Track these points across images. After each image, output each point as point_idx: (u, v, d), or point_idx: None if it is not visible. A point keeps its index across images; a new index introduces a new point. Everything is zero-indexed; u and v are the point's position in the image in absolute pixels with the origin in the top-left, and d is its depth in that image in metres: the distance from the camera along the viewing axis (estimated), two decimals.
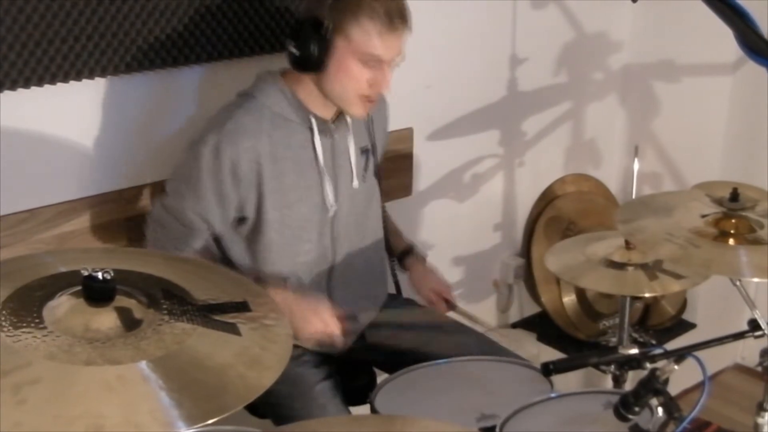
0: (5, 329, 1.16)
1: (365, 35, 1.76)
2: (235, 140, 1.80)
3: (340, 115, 1.93)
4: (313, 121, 1.88)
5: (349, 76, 1.79)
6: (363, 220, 2.03)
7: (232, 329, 1.28)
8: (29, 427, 1.05)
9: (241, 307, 1.35)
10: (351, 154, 1.95)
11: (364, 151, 2.00)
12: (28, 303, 1.23)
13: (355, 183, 1.97)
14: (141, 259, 1.43)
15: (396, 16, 1.77)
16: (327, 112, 1.90)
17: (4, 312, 1.20)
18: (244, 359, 1.24)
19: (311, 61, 1.79)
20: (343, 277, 2.00)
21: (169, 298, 1.30)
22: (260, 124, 1.83)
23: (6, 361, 1.11)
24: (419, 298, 2.17)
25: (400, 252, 2.19)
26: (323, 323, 1.82)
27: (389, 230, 2.20)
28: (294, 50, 1.80)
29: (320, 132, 1.89)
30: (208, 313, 1.30)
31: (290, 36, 1.81)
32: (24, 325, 1.18)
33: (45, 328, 1.18)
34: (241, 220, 1.89)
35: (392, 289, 2.23)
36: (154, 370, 1.16)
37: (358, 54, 1.77)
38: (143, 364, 1.16)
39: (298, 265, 1.94)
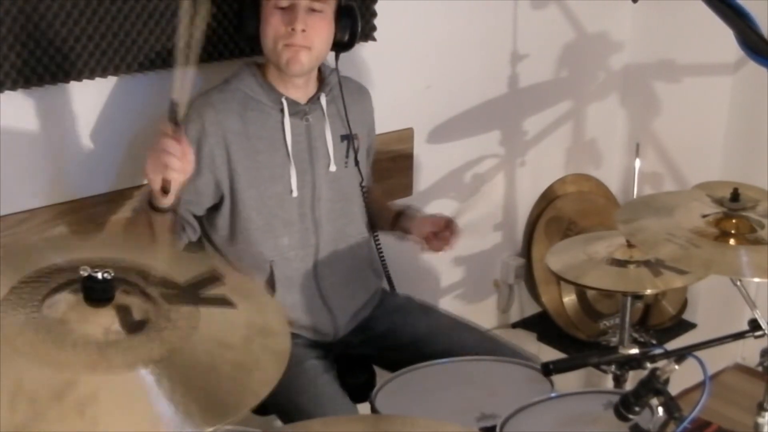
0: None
1: None
2: (201, 113, 1.88)
3: (313, 97, 1.98)
4: (285, 103, 1.93)
5: (269, 24, 1.87)
6: (347, 205, 2.05)
7: (226, 302, 1.28)
8: None
9: (214, 278, 1.34)
10: (328, 139, 1.99)
11: (344, 138, 2.03)
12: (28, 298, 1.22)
13: (333, 167, 2.00)
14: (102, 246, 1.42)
15: None
16: (299, 94, 1.96)
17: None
18: (255, 328, 1.25)
19: (248, 28, 1.90)
20: (330, 261, 2.02)
21: (157, 285, 1.27)
22: (229, 104, 1.90)
23: (54, 384, 1.09)
24: (423, 242, 2.13)
25: (394, 215, 2.18)
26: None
27: (380, 206, 2.21)
28: (236, 23, 1.93)
29: (292, 114, 1.94)
30: (196, 292, 1.28)
31: (234, 14, 1.99)
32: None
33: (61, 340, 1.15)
34: (220, 202, 1.94)
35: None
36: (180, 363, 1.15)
37: (272, 1, 1.85)
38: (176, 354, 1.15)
39: (281, 247, 1.96)
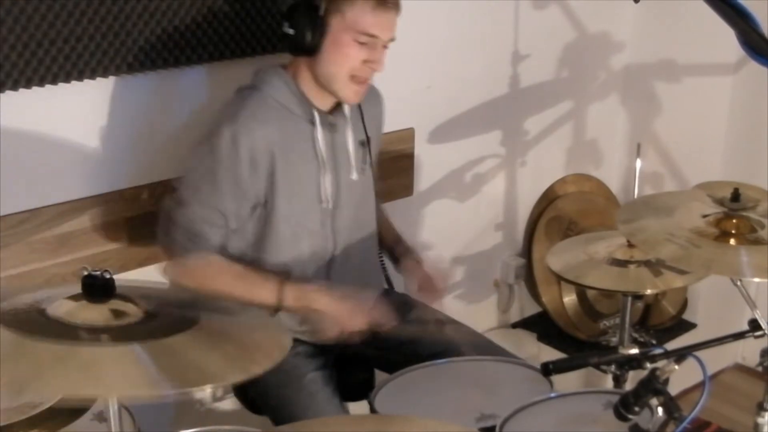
0: None
1: (360, 12, 1.80)
2: (250, 128, 1.82)
3: (337, 106, 1.95)
4: (315, 114, 1.90)
5: (343, 54, 1.82)
6: (361, 212, 2.04)
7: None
8: None
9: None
10: (350, 147, 1.97)
11: (361, 144, 2.01)
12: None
13: (354, 175, 1.98)
14: None
15: None
16: (326, 104, 1.93)
17: None
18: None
19: (307, 41, 1.82)
20: (342, 268, 2.01)
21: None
22: (268, 113, 1.86)
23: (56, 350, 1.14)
24: (411, 290, 2.12)
25: (395, 252, 2.15)
26: (365, 317, 1.82)
27: (387, 230, 2.20)
28: (289, 31, 1.83)
29: (321, 125, 1.91)
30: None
31: (285, 17, 1.85)
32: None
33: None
34: (253, 210, 1.90)
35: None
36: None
37: (353, 32, 1.81)
38: None
39: (301, 256, 1.95)
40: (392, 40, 1.87)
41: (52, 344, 1.14)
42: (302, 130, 1.90)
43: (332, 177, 1.95)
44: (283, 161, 1.87)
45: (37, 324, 1.19)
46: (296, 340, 1.96)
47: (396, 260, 2.17)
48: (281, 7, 2.05)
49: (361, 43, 1.82)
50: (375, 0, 1.80)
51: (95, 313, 1.22)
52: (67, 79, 1.85)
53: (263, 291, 1.84)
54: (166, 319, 1.26)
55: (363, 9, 1.80)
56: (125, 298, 1.27)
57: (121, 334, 1.20)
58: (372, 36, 1.82)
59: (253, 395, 2.01)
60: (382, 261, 2.18)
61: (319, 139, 1.90)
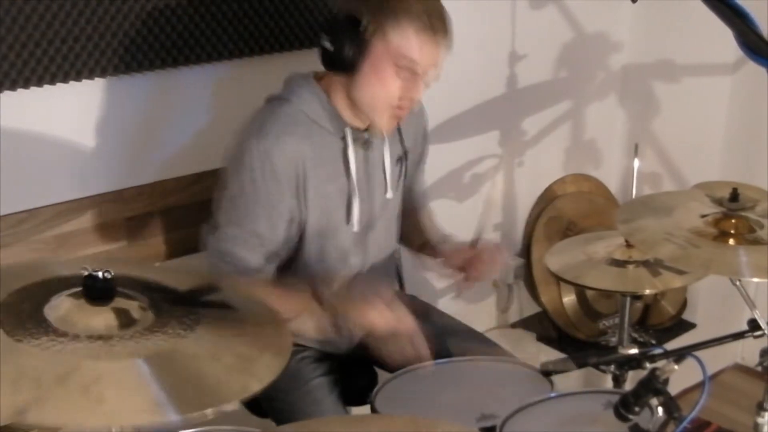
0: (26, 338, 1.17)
1: (405, 38, 1.70)
2: (281, 143, 1.74)
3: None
4: (348, 132, 1.82)
5: (381, 82, 1.73)
6: (392, 226, 2.02)
7: (227, 306, 1.30)
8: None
9: (212, 287, 1.36)
10: (386, 165, 1.91)
11: (398, 160, 1.96)
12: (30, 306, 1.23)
13: (389, 194, 1.93)
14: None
15: (438, 25, 1.72)
16: (361, 121, 1.85)
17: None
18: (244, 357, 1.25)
19: (346, 59, 1.72)
20: (362, 278, 1.98)
21: (154, 292, 1.30)
22: (299, 128, 1.78)
23: (57, 369, 1.12)
24: (453, 270, 2.04)
25: (435, 242, 2.09)
26: (389, 314, 1.77)
27: (428, 228, 2.15)
28: (328, 46, 1.74)
29: (355, 142, 1.83)
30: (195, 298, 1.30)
31: (325, 31, 1.75)
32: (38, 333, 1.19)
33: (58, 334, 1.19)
34: (288, 227, 1.83)
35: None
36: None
37: (395, 58, 1.71)
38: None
39: (327, 273, 1.90)
40: (433, 70, 1.75)
41: (52, 358, 1.12)
42: (334, 146, 1.82)
43: (366, 197, 1.89)
44: (314, 177, 1.80)
45: (36, 329, 1.18)
46: (301, 346, 1.96)
47: (436, 250, 2.08)
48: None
49: (401, 71, 1.72)
50: (424, 29, 1.69)
51: (96, 318, 1.21)
52: (65, 80, 1.85)
53: (297, 301, 1.78)
54: (168, 319, 1.25)
55: (409, 37, 1.70)
56: (127, 296, 1.26)
57: (123, 344, 1.18)
58: (412, 62, 1.71)
59: (258, 398, 2.00)
60: (398, 263, 2.17)
61: (352, 158, 1.83)
